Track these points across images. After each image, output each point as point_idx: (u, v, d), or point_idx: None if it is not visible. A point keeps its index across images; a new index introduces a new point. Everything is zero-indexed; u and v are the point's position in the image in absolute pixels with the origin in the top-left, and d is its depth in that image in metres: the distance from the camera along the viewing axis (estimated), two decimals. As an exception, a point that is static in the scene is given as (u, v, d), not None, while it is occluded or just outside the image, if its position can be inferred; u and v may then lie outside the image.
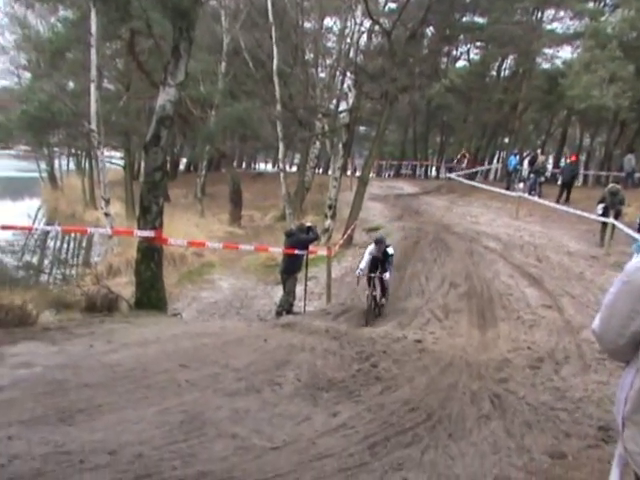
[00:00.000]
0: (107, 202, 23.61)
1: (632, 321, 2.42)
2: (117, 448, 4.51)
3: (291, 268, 13.67)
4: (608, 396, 6.92)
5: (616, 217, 17.34)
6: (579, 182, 36.18)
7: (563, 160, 39.27)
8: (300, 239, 13.79)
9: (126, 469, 4.20)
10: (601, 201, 17.80)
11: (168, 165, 34.59)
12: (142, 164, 29.55)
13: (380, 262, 12.54)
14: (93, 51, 22.43)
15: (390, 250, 12.59)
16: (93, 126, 22.89)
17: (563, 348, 9.24)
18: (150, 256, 11.67)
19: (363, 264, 12.39)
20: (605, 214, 17.42)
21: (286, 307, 13.39)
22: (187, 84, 15.71)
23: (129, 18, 20.32)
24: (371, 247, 12.61)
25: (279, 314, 13.23)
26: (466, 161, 35.08)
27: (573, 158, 29.21)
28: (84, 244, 29.46)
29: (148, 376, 6.44)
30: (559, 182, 26.31)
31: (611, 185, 19.02)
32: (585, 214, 19.05)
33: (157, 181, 11.69)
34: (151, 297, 11.63)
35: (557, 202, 22.86)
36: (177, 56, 11.61)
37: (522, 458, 5.20)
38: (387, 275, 12.43)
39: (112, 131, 28.50)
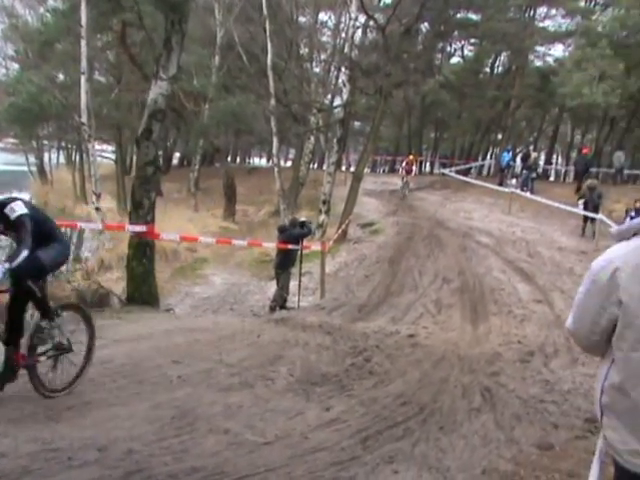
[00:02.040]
0: (98, 196, 23.57)
1: (601, 317, 2.61)
2: (107, 444, 4.46)
3: (284, 263, 13.63)
4: (595, 388, 6.96)
5: (595, 211, 18.52)
6: (570, 178, 36.44)
7: (554, 156, 39.30)
8: (293, 234, 13.76)
9: (115, 465, 4.15)
10: (581, 197, 19.24)
11: (161, 159, 34.46)
12: (134, 158, 29.49)
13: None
14: (83, 43, 22.30)
15: (16, 209, 5.18)
16: (84, 119, 22.81)
17: (553, 342, 9.33)
18: (142, 251, 11.63)
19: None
20: (585, 209, 18.71)
21: (280, 302, 13.35)
22: (180, 77, 15.64)
23: (120, 10, 20.27)
24: None
25: (272, 309, 13.19)
26: (414, 168, 32.70)
27: (585, 150, 30.12)
28: (74, 239, 29.30)
29: (140, 372, 6.41)
30: (551, 177, 26.47)
31: (590, 181, 20.59)
32: (572, 209, 19.51)
33: (149, 175, 11.64)
34: (143, 293, 11.60)
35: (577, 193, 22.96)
36: (169, 49, 11.55)
37: (511, 450, 5.25)
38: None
39: (103, 124, 28.36)
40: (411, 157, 30.08)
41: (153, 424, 5.02)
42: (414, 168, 28.84)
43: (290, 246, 13.54)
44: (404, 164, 29.03)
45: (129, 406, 5.39)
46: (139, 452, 4.42)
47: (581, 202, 19.00)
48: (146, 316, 10.12)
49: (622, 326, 2.59)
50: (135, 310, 10.55)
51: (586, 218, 18.82)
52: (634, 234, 2.66)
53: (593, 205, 18.77)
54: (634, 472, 2.59)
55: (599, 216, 17.52)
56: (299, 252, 14.06)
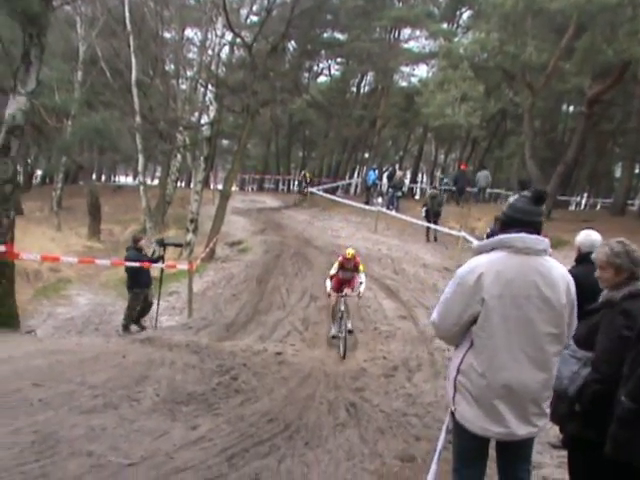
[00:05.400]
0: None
1: (465, 313, 3.42)
2: (-41, 475, 4.26)
3: (128, 283, 13.11)
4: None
5: (436, 216, 21.07)
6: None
7: (419, 174, 40.52)
8: (130, 256, 13.16)
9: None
10: (424, 205, 21.40)
11: (21, 177, 32.96)
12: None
13: None
14: None
15: None
16: None
17: (416, 357, 9.61)
18: (1, 272, 11.12)
19: None
20: (427, 215, 21.03)
21: (127, 321, 12.88)
22: (40, 93, 15.06)
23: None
24: None
25: (125, 328, 12.82)
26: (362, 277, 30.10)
27: (463, 167, 31.94)
28: None
29: (-4, 397, 6.11)
30: (416, 196, 27.44)
31: (431, 191, 23.15)
32: (438, 227, 20.49)
33: (7, 194, 11.18)
34: (2, 315, 11.13)
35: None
36: (28, 63, 11.15)
37: (374, 463, 5.40)
38: None
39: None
40: (350, 252, 11.37)
41: (12, 449, 4.82)
42: (361, 277, 11.42)
43: (127, 264, 13.01)
44: (333, 271, 11.41)
45: (-16, 433, 5.13)
46: (-5, 480, 4.24)
47: (424, 209, 21.09)
48: (5, 339, 9.70)
49: (483, 319, 3.38)
50: (-8, 333, 10.07)
51: (428, 224, 21.09)
52: (492, 249, 3.49)
53: (434, 212, 20.93)
54: (481, 435, 3.47)
55: (462, 234, 18.33)
56: (148, 273, 13.44)
